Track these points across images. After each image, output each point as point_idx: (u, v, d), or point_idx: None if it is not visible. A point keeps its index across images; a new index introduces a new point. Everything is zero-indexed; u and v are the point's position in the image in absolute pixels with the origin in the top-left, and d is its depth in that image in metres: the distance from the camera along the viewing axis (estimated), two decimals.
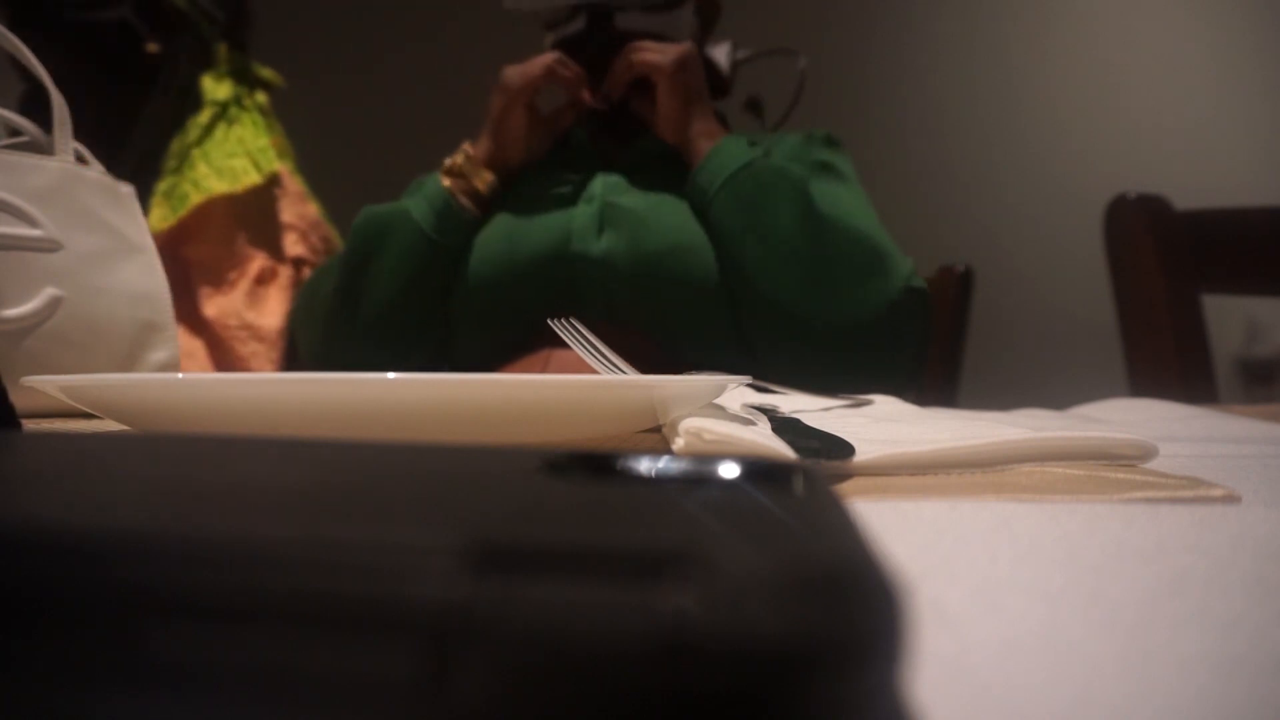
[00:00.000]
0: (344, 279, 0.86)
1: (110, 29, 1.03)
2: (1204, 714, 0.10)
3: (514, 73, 0.86)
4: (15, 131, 0.55)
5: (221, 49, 1.09)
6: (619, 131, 0.95)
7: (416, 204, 0.85)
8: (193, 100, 1.06)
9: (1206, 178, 2.16)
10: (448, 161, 0.88)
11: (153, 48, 1.05)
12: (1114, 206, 0.95)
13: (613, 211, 0.85)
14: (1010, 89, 2.30)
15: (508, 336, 0.85)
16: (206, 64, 1.08)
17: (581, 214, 0.85)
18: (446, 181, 0.87)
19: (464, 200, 0.86)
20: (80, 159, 0.58)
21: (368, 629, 0.07)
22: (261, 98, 1.11)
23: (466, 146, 0.89)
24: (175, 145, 1.03)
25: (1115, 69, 2.28)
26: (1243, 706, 0.10)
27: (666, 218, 0.84)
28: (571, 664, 0.07)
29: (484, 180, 0.88)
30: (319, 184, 1.16)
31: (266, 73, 1.13)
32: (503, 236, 0.86)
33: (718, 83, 1.00)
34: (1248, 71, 2.26)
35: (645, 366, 0.80)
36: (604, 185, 0.88)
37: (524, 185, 0.90)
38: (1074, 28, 2.31)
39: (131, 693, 0.08)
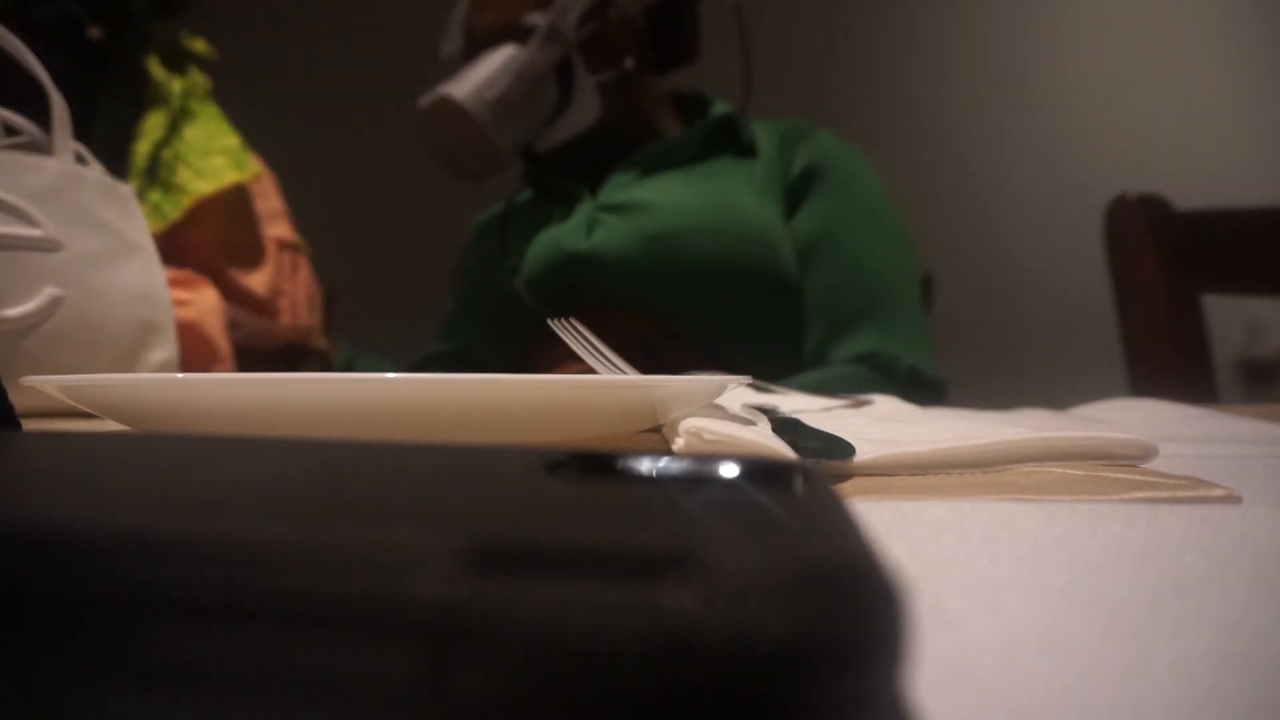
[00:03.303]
0: None
1: (52, 21, 1.02)
2: (1204, 714, 0.10)
3: None
4: (14, 131, 0.55)
5: (155, 27, 1.07)
6: (608, 157, 0.96)
7: None
8: (150, 91, 1.04)
9: (1206, 178, 2.16)
10: None
11: (95, 33, 1.04)
12: (1114, 206, 0.95)
13: (604, 212, 0.88)
14: (1012, 90, 2.30)
15: (513, 346, 0.90)
16: (147, 46, 1.06)
17: (572, 223, 0.89)
18: None
19: None
20: (80, 159, 0.58)
21: (368, 629, 0.07)
22: (199, 78, 1.09)
23: None
24: (142, 146, 1.02)
25: (1115, 69, 2.28)
26: (1243, 706, 0.10)
27: (672, 201, 0.86)
28: (572, 664, 0.07)
29: None
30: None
31: (198, 45, 1.11)
32: (497, 258, 0.91)
33: (688, 47, 0.99)
34: (1248, 71, 2.25)
35: (653, 354, 0.82)
36: (603, 192, 0.91)
37: (518, 222, 0.94)
38: (1075, 28, 2.31)
39: (131, 692, 0.08)
